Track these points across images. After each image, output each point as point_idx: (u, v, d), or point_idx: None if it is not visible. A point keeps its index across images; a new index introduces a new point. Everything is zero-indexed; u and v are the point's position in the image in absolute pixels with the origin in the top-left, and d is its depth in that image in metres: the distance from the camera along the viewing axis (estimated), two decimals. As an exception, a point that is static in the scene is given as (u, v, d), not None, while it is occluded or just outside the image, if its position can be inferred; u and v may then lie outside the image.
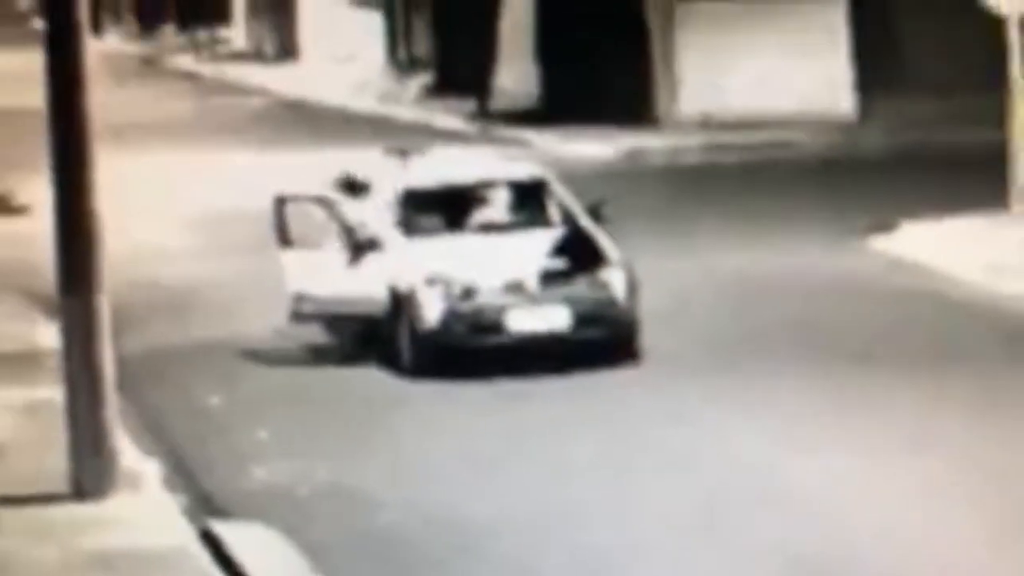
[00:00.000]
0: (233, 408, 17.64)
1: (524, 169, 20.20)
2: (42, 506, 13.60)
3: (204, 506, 14.49)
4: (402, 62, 51.29)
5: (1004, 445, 15.39)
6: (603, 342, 17.93)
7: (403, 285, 18.22)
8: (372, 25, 52.80)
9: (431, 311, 17.93)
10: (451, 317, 17.88)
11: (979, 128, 28.28)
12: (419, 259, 18.32)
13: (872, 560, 12.77)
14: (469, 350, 17.90)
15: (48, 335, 17.69)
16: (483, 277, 18.03)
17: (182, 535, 13.29)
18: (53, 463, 14.14)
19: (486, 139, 37.90)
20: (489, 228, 18.89)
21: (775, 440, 15.75)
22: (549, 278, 18.04)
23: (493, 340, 17.89)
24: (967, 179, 26.32)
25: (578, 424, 16.48)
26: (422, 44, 49.86)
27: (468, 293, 17.97)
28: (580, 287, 18.05)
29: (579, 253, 18.31)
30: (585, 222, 18.84)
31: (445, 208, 19.10)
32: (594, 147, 35.00)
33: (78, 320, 14.15)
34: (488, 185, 19.26)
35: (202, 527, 13.58)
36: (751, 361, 18.28)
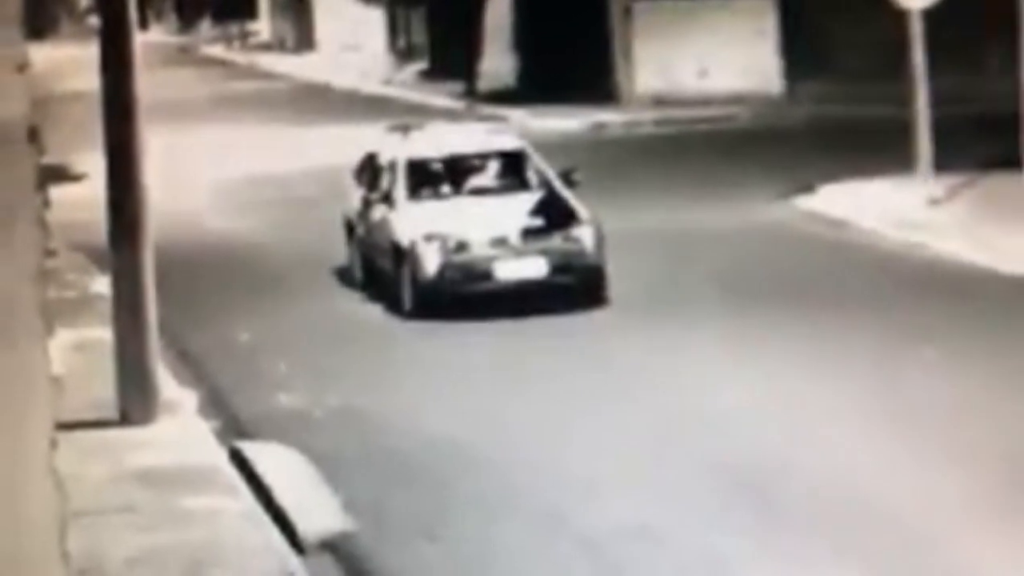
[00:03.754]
0: (257, 341, 17.48)
1: (507, 141, 20.09)
2: (94, 430, 13.46)
3: (233, 429, 14.32)
4: (401, 51, 51.07)
5: (900, 371, 15.24)
6: (575, 287, 17.90)
7: (405, 240, 18.10)
8: (376, 19, 52.57)
9: (430, 262, 17.86)
10: (447, 267, 17.81)
11: (887, 106, 28.15)
12: (419, 218, 18.22)
13: (783, 461, 12.62)
14: (462, 295, 17.77)
15: (100, 284, 17.53)
16: (474, 233, 17.95)
17: (213, 454, 13.14)
18: (103, 393, 13.99)
19: (473, 116, 37.76)
20: (478, 192, 18.89)
21: (705, 369, 15.57)
22: (529, 234, 18.03)
23: (483, 286, 17.81)
24: (876, 149, 26.22)
25: (553, 354, 16.32)
26: (418, 35, 49.64)
27: (461, 247, 17.89)
28: (555, 241, 18.02)
29: (554, 212, 18.30)
30: (559, 186, 18.87)
31: (441, 175, 19.03)
32: (564, 121, 34.90)
33: (126, 271, 14.03)
34: (477, 155, 19.25)
35: (230, 447, 13.42)
36: (690, 304, 18.15)
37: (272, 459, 13.12)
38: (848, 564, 10.83)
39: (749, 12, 37.15)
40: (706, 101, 35.74)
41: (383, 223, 18.80)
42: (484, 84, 41.32)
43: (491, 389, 15.33)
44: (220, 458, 13.03)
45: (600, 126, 34.64)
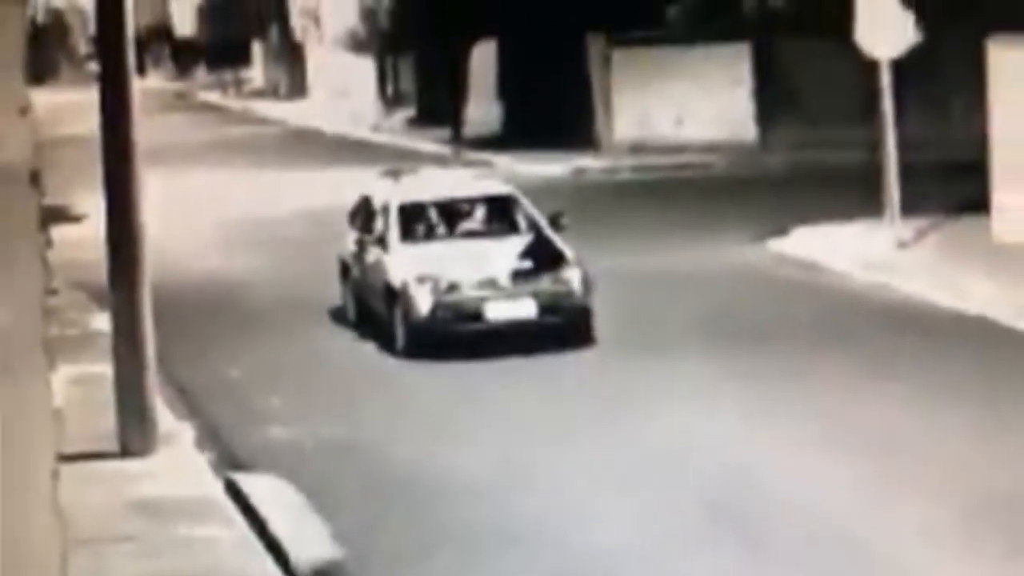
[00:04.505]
0: (252, 377, 17.43)
1: (496, 186, 20.11)
2: (95, 461, 13.42)
3: (228, 461, 14.28)
4: (390, 98, 51.13)
5: (866, 404, 15.30)
6: (563, 328, 17.81)
7: (397, 281, 18.04)
8: (366, 68, 52.64)
9: (422, 303, 17.76)
10: (438, 307, 17.72)
11: (857, 152, 28.25)
12: (411, 260, 18.17)
13: (760, 487, 12.63)
14: (453, 335, 17.68)
15: (100, 321, 17.50)
16: (465, 275, 17.89)
17: (209, 485, 13.11)
18: (104, 426, 13.96)
19: (459, 161, 37.79)
20: (469, 235, 18.87)
21: (688, 405, 15.59)
22: (519, 275, 17.96)
23: (473, 327, 17.71)
24: (847, 194, 26.26)
25: (536, 390, 16.31)
26: (406, 83, 49.71)
27: (452, 288, 17.81)
28: (544, 282, 17.95)
29: (543, 255, 18.27)
30: (547, 229, 18.87)
31: (433, 219, 18.99)
32: (546, 167, 34.90)
33: (125, 308, 14.01)
34: (468, 200, 19.23)
35: (225, 478, 13.39)
36: (672, 343, 18.15)
37: (265, 490, 13.09)
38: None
39: (724, 62, 37.20)
40: (682, 148, 35.78)
41: (377, 265, 18.75)
42: (469, 130, 41.38)
43: (474, 421, 15.30)
44: (216, 489, 12.99)
45: (580, 171, 34.67)
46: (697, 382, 16.45)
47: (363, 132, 46.68)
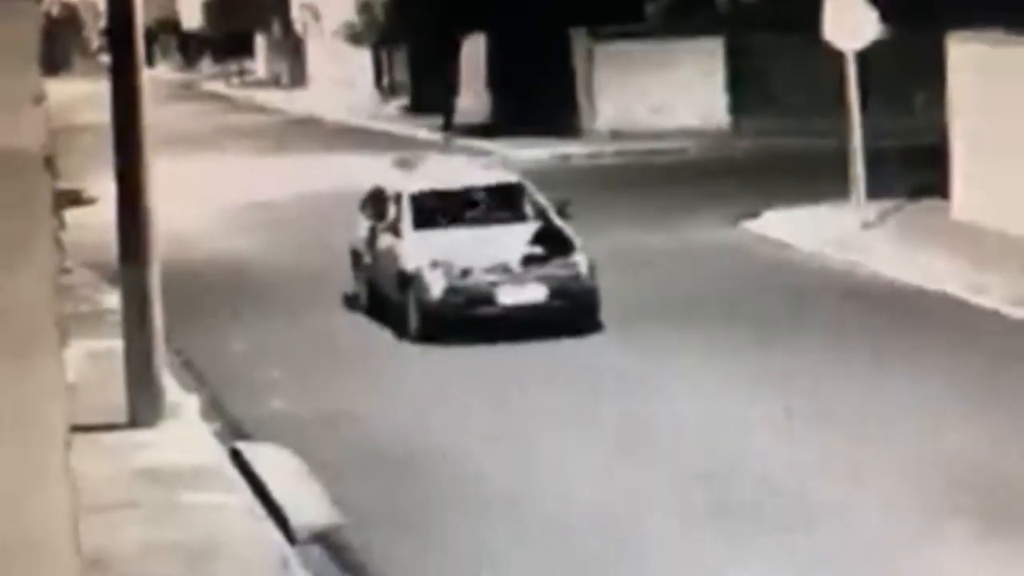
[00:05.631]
0: (255, 351, 17.37)
1: (506, 175, 19.70)
2: (105, 432, 13.35)
3: (232, 430, 14.22)
4: (386, 88, 51.01)
5: (841, 376, 15.33)
6: (572, 311, 17.39)
7: (411, 267, 17.60)
8: (363, 59, 52.51)
9: (435, 288, 17.30)
10: (451, 292, 17.28)
11: (824, 139, 28.22)
12: (424, 246, 17.70)
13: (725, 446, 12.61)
14: (465, 319, 17.18)
15: (111, 299, 17.41)
16: (476, 260, 17.45)
17: (214, 454, 13.05)
18: (114, 399, 13.88)
19: (450, 147, 37.73)
20: (480, 222, 18.32)
21: (669, 376, 15.56)
22: (529, 261, 17.55)
23: (485, 311, 17.25)
24: (815, 178, 26.24)
25: (542, 368, 16.16)
26: (401, 74, 49.60)
27: (464, 273, 17.36)
28: (553, 268, 17.53)
29: (551, 241, 17.82)
30: (554, 217, 18.44)
31: (445, 207, 18.46)
32: (532, 152, 34.87)
33: (134, 286, 13.94)
34: (478, 189, 18.80)
35: (230, 447, 13.33)
36: (652, 318, 18.11)
37: (268, 458, 13.03)
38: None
39: (699, 54, 37.28)
40: (659, 135, 35.79)
41: (389, 252, 18.26)
42: (460, 118, 41.31)
43: (469, 393, 15.24)
44: (221, 457, 12.93)
45: (565, 157, 34.63)
46: (679, 355, 16.39)
47: (360, 120, 46.58)
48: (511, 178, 19.35)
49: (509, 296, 17.35)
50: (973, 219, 22.54)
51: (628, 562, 10.85)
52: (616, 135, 36.50)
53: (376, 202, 19.26)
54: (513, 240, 17.83)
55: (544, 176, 29.17)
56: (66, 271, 20.47)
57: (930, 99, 27.52)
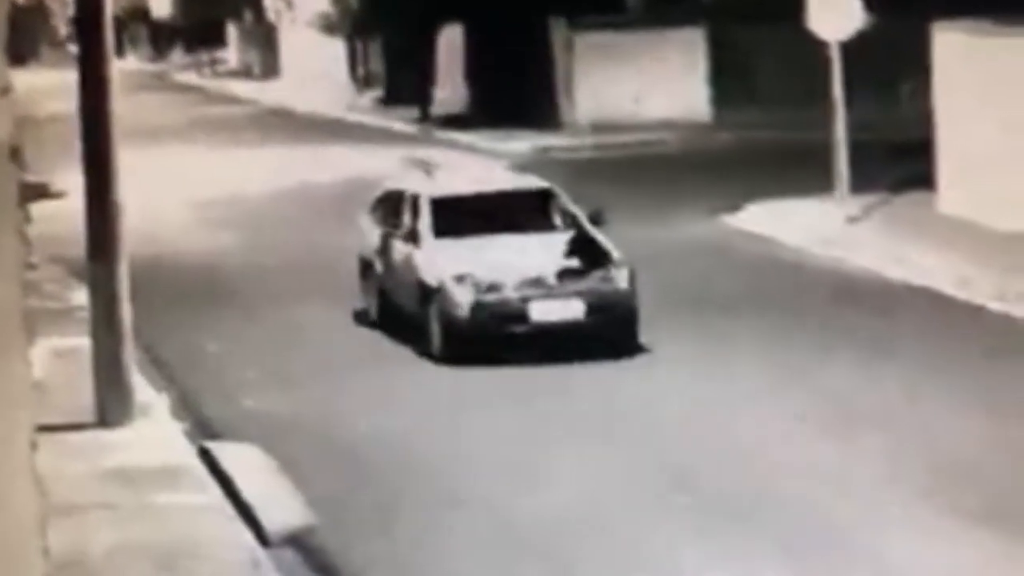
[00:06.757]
0: (227, 350, 17.30)
1: (534, 180, 18.15)
2: (73, 432, 13.28)
3: (202, 430, 14.16)
4: (360, 79, 50.93)
5: (822, 369, 15.44)
6: (611, 330, 16.12)
7: (433, 279, 16.30)
8: (337, 49, 52.41)
9: (462, 303, 15.97)
10: (479, 308, 15.93)
11: (808, 132, 28.22)
12: (447, 257, 16.36)
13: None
14: (495, 338, 15.88)
15: (79, 295, 17.33)
16: (505, 273, 16.10)
17: (184, 453, 12.99)
18: (82, 398, 13.81)
19: (427, 140, 37.66)
20: (507, 231, 16.81)
21: (659, 368, 15.64)
22: (565, 275, 16.19)
23: (517, 328, 15.92)
24: (797, 171, 26.26)
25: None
26: (376, 64, 49.52)
27: (493, 288, 16.02)
28: (592, 282, 16.19)
29: (588, 253, 16.49)
30: (587, 226, 17.05)
31: (469, 213, 16.98)
32: (511, 145, 34.83)
33: (102, 282, 13.86)
34: (504, 194, 17.43)
35: (199, 446, 13.28)
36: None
37: (239, 457, 12.98)
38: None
39: (681, 46, 37.27)
40: (640, 127, 35.76)
41: (407, 262, 16.90)
42: (437, 110, 41.24)
43: (445, 404, 15.20)
44: (190, 457, 12.88)
45: (545, 149, 34.58)
46: (665, 348, 16.38)
47: (334, 111, 46.49)
48: (540, 183, 17.89)
49: (543, 313, 16.06)
50: (959, 213, 22.56)
51: None
52: (596, 127, 36.45)
53: (389, 206, 17.86)
54: (545, 251, 16.48)
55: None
56: (32, 266, 20.38)
57: (915, 90, 27.54)
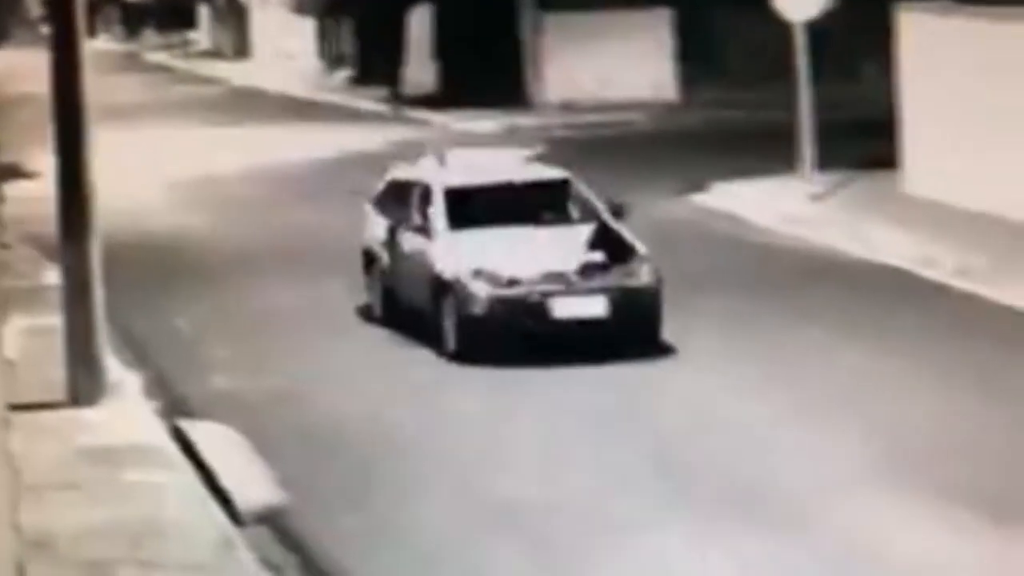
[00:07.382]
0: (200, 330, 17.25)
1: (551, 170, 17.03)
2: (44, 411, 13.22)
3: (175, 409, 14.12)
4: (331, 58, 50.76)
5: (789, 345, 15.52)
6: (635, 327, 15.34)
7: (448, 273, 15.43)
8: (308, 29, 52.22)
9: (478, 298, 15.14)
10: (497, 303, 15.09)
11: (773, 111, 28.25)
12: (462, 250, 15.48)
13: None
14: (514, 335, 15.08)
15: (51, 274, 17.25)
16: (524, 268, 15.26)
17: (156, 432, 12.95)
18: (54, 377, 13.75)
19: (397, 119, 37.60)
20: (525, 223, 15.93)
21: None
22: (587, 269, 15.35)
23: (537, 325, 15.10)
24: (763, 150, 26.30)
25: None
26: (346, 44, 49.36)
27: (512, 283, 15.20)
28: (616, 277, 15.36)
29: (611, 247, 15.65)
30: (608, 218, 16.22)
31: (484, 204, 16.07)
32: (481, 124, 34.78)
33: (75, 262, 13.80)
34: (521, 185, 16.41)
35: (172, 425, 13.24)
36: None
37: (211, 436, 12.95)
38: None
39: (648, 25, 37.33)
40: (608, 107, 35.78)
41: (418, 254, 15.99)
42: (407, 90, 41.14)
43: (424, 388, 15.17)
44: (163, 436, 12.84)
45: (514, 129, 34.54)
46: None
47: (305, 91, 46.33)
48: (559, 173, 16.82)
49: (565, 309, 15.21)
50: (923, 192, 22.63)
51: None
52: (565, 106, 36.45)
53: (397, 197, 16.87)
54: (566, 244, 15.62)
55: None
56: (5, 246, 20.30)
57: (880, 70, 27.57)
